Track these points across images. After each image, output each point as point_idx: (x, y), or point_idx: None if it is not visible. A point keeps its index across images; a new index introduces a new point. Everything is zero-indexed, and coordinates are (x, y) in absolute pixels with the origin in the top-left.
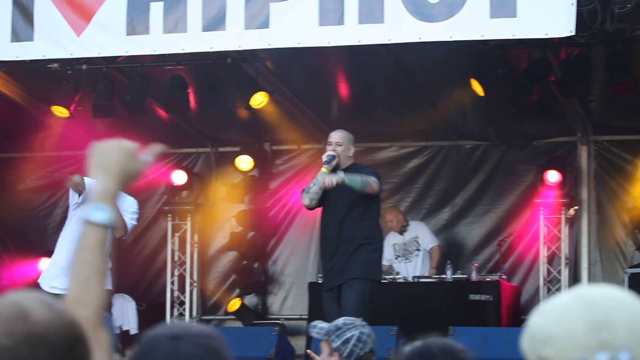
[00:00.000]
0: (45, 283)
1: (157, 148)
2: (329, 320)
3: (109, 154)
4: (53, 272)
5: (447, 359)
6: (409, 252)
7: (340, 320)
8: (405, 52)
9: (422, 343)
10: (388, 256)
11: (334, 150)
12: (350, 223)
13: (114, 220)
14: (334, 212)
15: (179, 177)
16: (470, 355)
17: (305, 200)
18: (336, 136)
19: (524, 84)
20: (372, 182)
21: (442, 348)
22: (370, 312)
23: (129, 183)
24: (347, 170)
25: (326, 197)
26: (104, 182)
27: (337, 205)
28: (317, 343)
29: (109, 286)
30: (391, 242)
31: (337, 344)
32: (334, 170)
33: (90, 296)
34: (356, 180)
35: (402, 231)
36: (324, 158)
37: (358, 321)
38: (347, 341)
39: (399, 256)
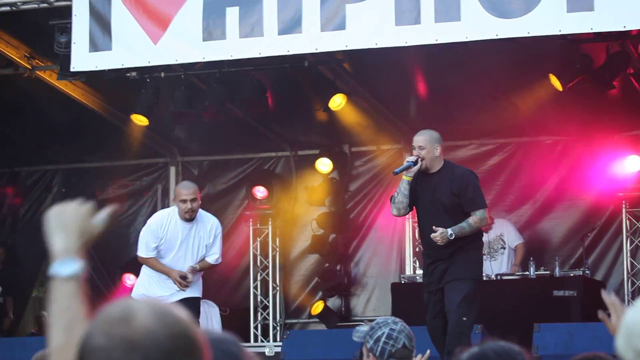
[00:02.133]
0: (134, 292)
1: (110, 210)
2: (430, 318)
3: (67, 216)
4: (142, 280)
5: None
6: (494, 250)
7: (375, 321)
8: (482, 48)
9: (478, 348)
10: None
11: (417, 155)
12: (449, 225)
13: (80, 271)
14: (430, 215)
15: (260, 192)
16: (528, 357)
17: (394, 211)
18: (418, 139)
19: (604, 78)
20: (478, 220)
21: (498, 352)
22: (476, 310)
23: (86, 241)
24: (439, 172)
25: (420, 200)
26: (64, 240)
27: (432, 208)
28: None
29: (199, 294)
30: None
31: (370, 344)
32: (426, 168)
33: (75, 340)
34: (465, 231)
35: (487, 229)
36: (405, 164)
37: (391, 319)
38: (378, 339)
39: (484, 254)
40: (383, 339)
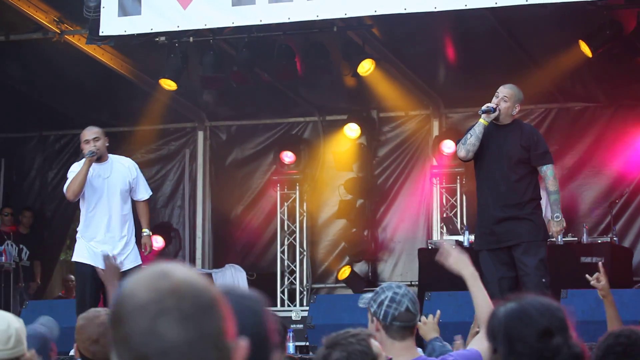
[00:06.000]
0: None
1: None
2: (486, 279)
3: None
4: (80, 249)
5: (548, 321)
6: None
7: (380, 286)
8: (512, 14)
9: (516, 304)
10: None
11: (496, 104)
12: (520, 180)
13: None
14: (500, 167)
15: (288, 157)
16: (567, 312)
17: (462, 152)
18: (505, 91)
19: (633, 44)
20: (553, 180)
21: (538, 308)
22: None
23: None
24: (509, 126)
25: (485, 153)
26: None
27: (498, 161)
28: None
29: (139, 262)
30: None
31: (374, 308)
32: (496, 120)
33: None
34: (558, 199)
35: None
36: (483, 108)
37: (395, 284)
38: (381, 303)
39: None
40: (386, 302)
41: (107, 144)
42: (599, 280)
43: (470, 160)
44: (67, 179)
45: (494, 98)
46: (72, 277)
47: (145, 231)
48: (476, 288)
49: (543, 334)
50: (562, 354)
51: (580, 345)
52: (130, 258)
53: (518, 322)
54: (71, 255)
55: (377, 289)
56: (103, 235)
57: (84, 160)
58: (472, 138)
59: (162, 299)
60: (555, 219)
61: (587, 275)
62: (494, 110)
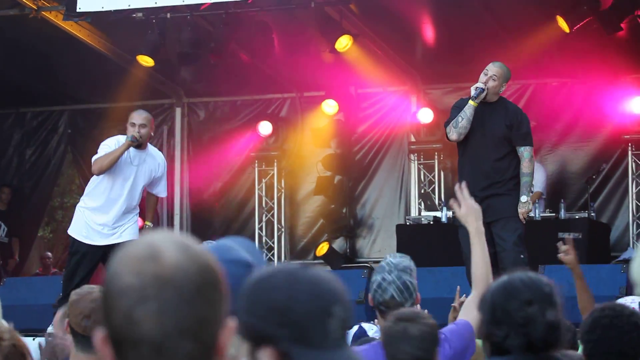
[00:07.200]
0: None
1: None
2: (466, 255)
3: None
4: (78, 223)
5: (531, 293)
6: None
7: (381, 263)
8: None
9: (506, 278)
10: None
11: (484, 83)
12: (502, 158)
13: None
14: (484, 145)
15: (265, 127)
16: (555, 289)
17: (454, 135)
18: (494, 69)
19: (611, 20)
20: (529, 162)
21: (526, 282)
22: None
23: None
24: (494, 104)
25: (472, 128)
26: None
27: (480, 138)
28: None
29: (136, 236)
30: None
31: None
32: (483, 101)
33: None
34: (529, 181)
35: None
36: (472, 92)
37: (388, 267)
38: (372, 284)
39: None
40: (374, 286)
41: (152, 134)
42: (567, 253)
43: (459, 140)
44: (102, 145)
45: (482, 76)
46: (49, 254)
47: (149, 224)
48: (477, 245)
49: (524, 304)
50: (536, 323)
51: (558, 317)
52: (128, 231)
53: (503, 292)
54: (49, 232)
55: (381, 263)
56: (107, 218)
57: (122, 138)
58: (464, 121)
59: (144, 286)
60: (522, 201)
61: (559, 244)
62: (483, 90)
